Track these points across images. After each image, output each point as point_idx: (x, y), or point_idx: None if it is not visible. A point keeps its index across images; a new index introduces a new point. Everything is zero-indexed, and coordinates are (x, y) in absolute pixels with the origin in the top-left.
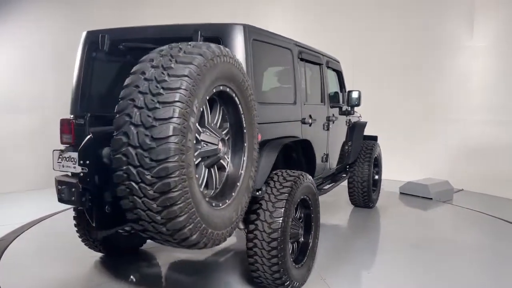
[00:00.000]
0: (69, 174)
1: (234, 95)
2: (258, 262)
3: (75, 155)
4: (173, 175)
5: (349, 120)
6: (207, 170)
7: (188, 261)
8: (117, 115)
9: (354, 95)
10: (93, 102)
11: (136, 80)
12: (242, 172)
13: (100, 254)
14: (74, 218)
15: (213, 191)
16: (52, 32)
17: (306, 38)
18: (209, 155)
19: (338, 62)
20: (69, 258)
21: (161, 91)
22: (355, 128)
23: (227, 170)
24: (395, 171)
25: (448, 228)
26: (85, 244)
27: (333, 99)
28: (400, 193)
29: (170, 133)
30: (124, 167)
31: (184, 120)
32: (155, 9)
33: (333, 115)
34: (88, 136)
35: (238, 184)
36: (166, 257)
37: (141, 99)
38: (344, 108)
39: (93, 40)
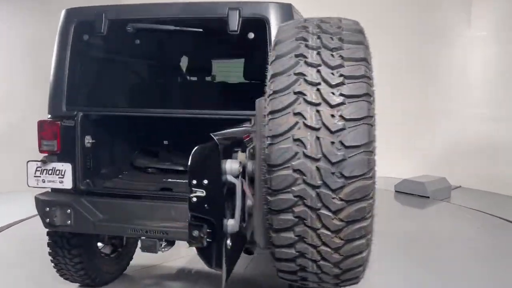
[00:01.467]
0: (49, 190)
1: None
2: None
3: (63, 166)
4: (368, 197)
5: None
6: None
7: None
8: (273, 115)
9: None
10: (87, 99)
11: (294, 65)
12: None
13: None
14: (48, 245)
15: None
16: (25, 23)
17: None
18: None
19: None
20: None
21: (342, 79)
22: None
23: None
24: (390, 168)
25: (447, 229)
26: (60, 275)
27: None
28: (396, 191)
29: (367, 139)
30: (296, 188)
31: (374, 120)
32: None
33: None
34: (207, 144)
35: None
36: (153, 284)
37: (313, 92)
38: None
39: (83, 20)
